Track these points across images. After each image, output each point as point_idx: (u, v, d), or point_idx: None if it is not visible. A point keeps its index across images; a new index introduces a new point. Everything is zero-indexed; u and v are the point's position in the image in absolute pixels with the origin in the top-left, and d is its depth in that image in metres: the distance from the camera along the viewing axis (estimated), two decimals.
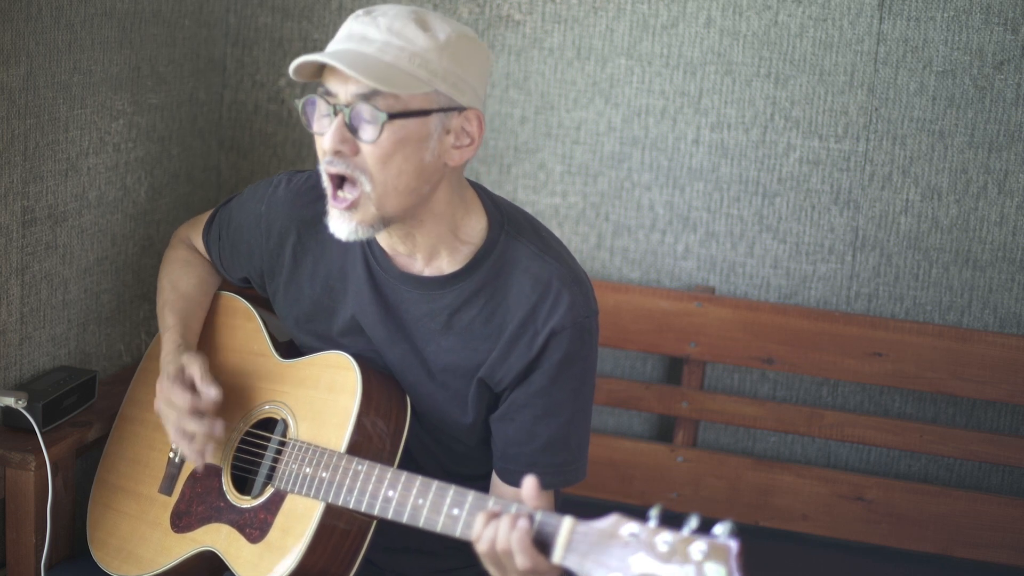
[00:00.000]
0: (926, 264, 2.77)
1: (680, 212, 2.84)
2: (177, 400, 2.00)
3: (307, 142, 2.96)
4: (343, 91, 1.78)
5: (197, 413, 1.99)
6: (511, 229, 1.94)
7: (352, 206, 1.81)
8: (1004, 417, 2.79)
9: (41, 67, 2.25)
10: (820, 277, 2.81)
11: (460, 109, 1.82)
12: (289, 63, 2.92)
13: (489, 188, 2.90)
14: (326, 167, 1.81)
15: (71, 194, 2.38)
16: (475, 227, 1.93)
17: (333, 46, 1.83)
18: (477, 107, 1.84)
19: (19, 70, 2.19)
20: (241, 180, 2.98)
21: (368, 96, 1.76)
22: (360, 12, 1.83)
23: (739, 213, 2.82)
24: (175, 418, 2.00)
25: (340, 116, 1.78)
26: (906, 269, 2.77)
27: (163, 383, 2.04)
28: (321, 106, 1.81)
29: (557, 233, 2.86)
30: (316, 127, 1.83)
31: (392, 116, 1.76)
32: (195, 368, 2.03)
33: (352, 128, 1.78)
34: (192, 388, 2.02)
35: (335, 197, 1.82)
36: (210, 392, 2.00)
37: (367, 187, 1.80)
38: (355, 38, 1.80)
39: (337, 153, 1.79)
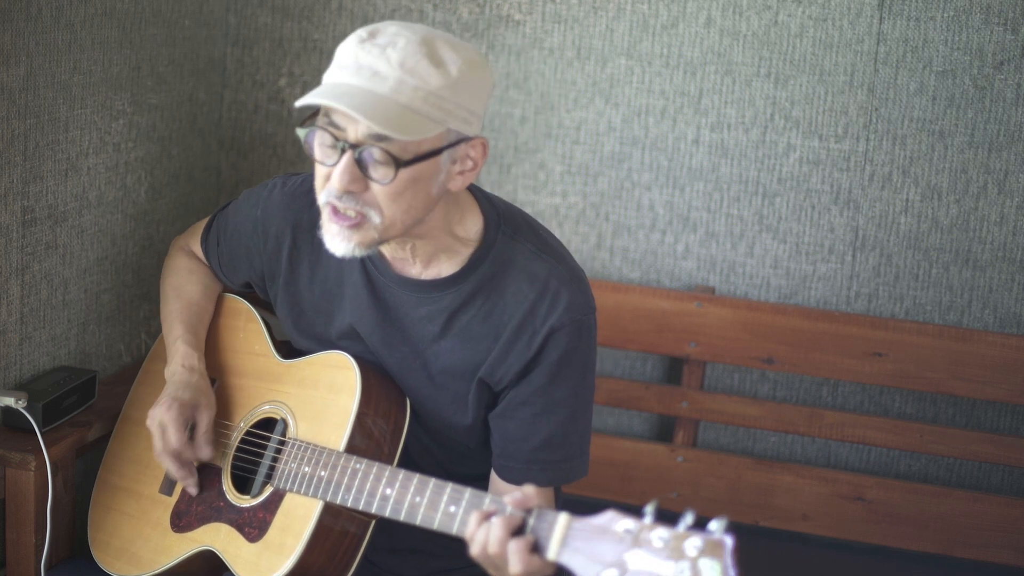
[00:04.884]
0: (926, 264, 2.77)
1: (680, 212, 2.84)
2: (171, 439, 2.01)
3: None
4: (352, 129, 1.74)
5: (181, 460, 2.02)
6: (507, 228, 1.94)
7: (354, 227, 1.79)
8: (1004, 417, 2.78)
9: (41, 67, 2.25)
10: (820, 277, 2.81)
11: (467, 140, 1.81)
12: (289, 63, 2.93)
13: (489, 188, 2.91)
14: (334, 202, 1.77)
15: (71, 194, 2.38)
16: (471, 228, 1.92)
17: (339, 75, 1.76)
18: (481, 134, 1.83)
19: (19, 70, 2.19)
20: (241, 180, 2.98)
21: (381, 137, 1.72)
22: (364, 35, 1.77)
23: (739, 213, 2.82)
24: (160, 448, 2.03)
25: (349, 154, 1.74)
26: (906, 269, 2.77)
27: (167, 409, 2.02)
28: (326, 137, 1.77)
29: (557, 233, 2.86)
30: (319, 156, 1.78)
31: (407, 163, 1.74)
32: (203, 421, 2.04)
33: (362, 166, 1.75)
34: (189, 431, 2.03)
35: (336, 213, 1.79)
36: (202, 452, 2.03)
37: (375, 220, 1.78)
38: (365, 72, 1.74)
39: (348, 192, 1.76)
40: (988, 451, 2.68)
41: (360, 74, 1.74)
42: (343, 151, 1.75)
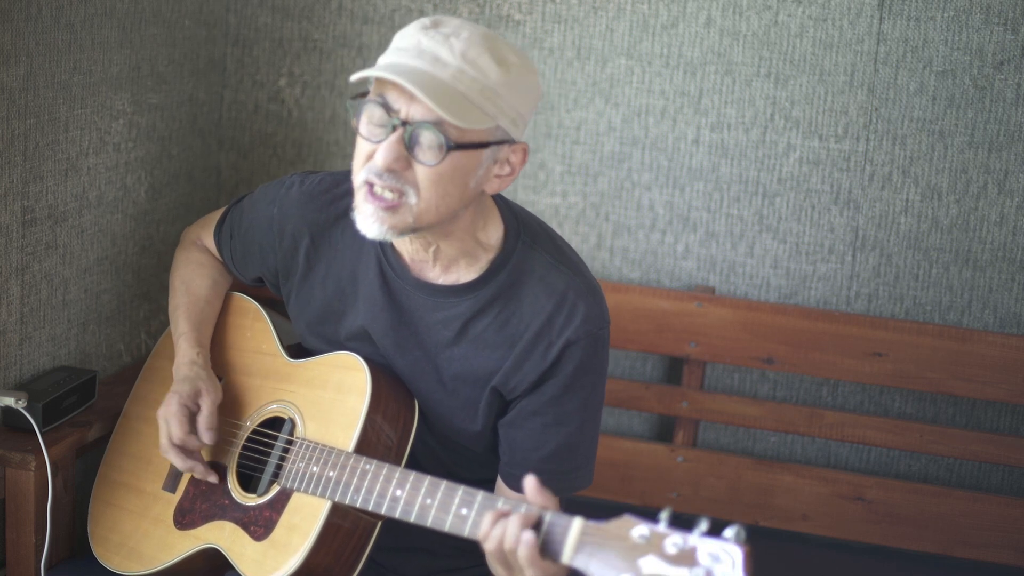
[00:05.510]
0: (926, 264, 2.77)
1: (680, 212, 2.84)
2: (173, 431, 2.02)
3: (307, 142, 2.96)
4: (406, 109, 1.74)
5: (186, 451, 2.02)
6: (527, 238, 1.94)
7: (390, 208, 1.78)
8: (1004, 417, 2.79)
9: (41, 67, 2.24)
10: (820, 277, 2.81)
11: (512, 142, 1.82)
12: (289, 63, 2.93)
13: None
14: (373, 179, 1.77)
15: (71, 194, 2.37)
16: (492, 235, 1.93)
17: (398, 57, 1.77)
18: (525, 140, 1.84)
19: (19, 70, 2.19)
20: (241, 180, 2.98)
21: (434, 122, 1.73)
22: (427, 23, 1.79)
23: (739, 213, 2.82)
24: (164, 442, 2.04)
25: (399, 132, 1.75)
26: (906, 269, 2.78)
27: (166, 404, 2.04)
28: (377, 114, 1.77)
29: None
30: (365, 132, 1.78)
31: (456, 147, 1.75)
32: (205, 406, 2.04)
33: (409, 146, 1.75)
34: (193, 420, 2.03)
35: (372, 194, 1.78)
36: (203, 438, 2.03)
37: (412, 200, 1.78)
38: (427, 57, 1.75)
39: (390, 170, 1.76)
40: (988, 451, 2.68)
41: (422, 57, 1.75)
42: (393, 128, 1.75)
